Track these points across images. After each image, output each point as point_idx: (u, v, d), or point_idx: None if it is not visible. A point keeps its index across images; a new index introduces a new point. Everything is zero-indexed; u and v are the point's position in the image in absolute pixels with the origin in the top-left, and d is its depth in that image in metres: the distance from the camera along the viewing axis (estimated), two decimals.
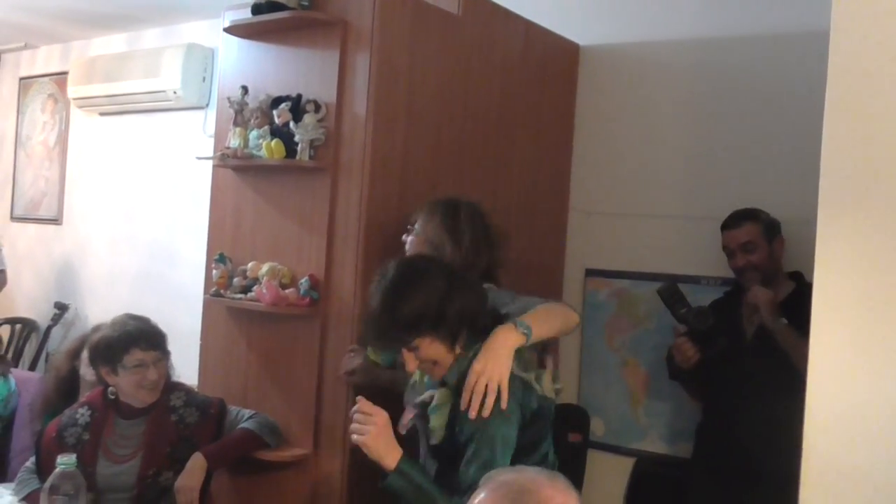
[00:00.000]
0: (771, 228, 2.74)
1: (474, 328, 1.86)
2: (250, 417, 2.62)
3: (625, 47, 3.40)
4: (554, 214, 3.43)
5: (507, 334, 1.80)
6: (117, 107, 4.76)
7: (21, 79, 5.58)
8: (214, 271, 2.81)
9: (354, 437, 1.86)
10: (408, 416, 1.96)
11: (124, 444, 2.48)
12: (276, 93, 2.72)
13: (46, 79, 5.40)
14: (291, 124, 2.62)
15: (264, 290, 2.60)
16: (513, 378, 1.80)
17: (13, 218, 5.52)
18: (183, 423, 2.52)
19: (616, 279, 3.36)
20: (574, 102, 3.48)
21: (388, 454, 1.83)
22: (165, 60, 4.39)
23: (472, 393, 1.76)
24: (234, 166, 2.83)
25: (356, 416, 1.86)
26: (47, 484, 1.90)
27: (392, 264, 1.90)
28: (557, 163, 3.43)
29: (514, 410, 1.80)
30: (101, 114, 4.96)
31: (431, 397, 1.89)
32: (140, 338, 2.49)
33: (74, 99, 4.92)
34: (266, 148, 2.65)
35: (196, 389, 2.74)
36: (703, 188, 3.18)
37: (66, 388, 2.89)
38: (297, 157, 2.61)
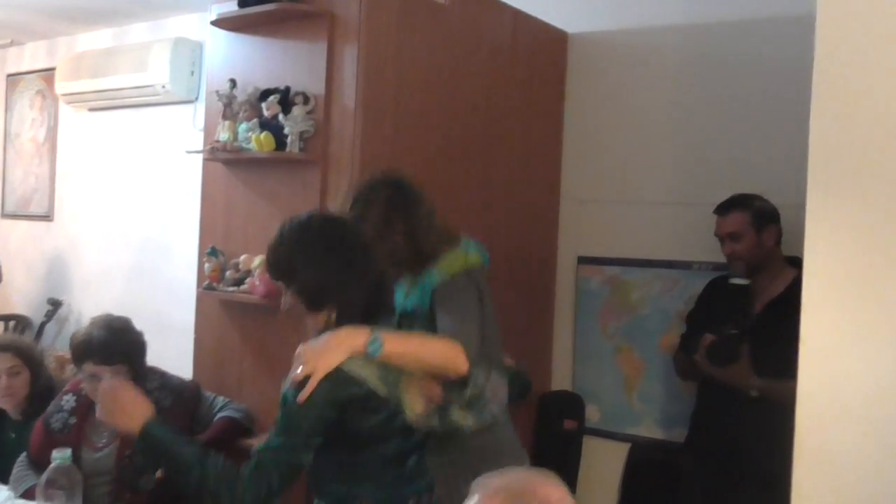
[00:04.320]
0: (762, 217, 2.67)
1: (344, 308, 1.83)
2: (226, 405, 2.64)
3: (614, 34, 3.40)
4: (545, 203, 3.43)
5: (352, 335, 1.76)
6: (106, 102, 4.73)
7: (8, 75, 5.54)
8: (206, 265, 2.81)
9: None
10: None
11: (102, 431, 2.52)
12: (264, 85, 2.72)
13: (34, 75, 5.36)
14: (280, 117, 2.62)
15: (257, 283, 2.61)
16: (336, 373, 1.74)
17: (4, 215, 5.50)
18: (157, 406, 2.51)
19: (608, 266, 3.37)
20: (564, 90, 3.48)
21: (127, 420, 1.82)
22: (153, 55, 4.36)
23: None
24: (223, 160, 2.83)
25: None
26: (43, 479, 1.91)
27: (308, 213, 1.93)
28: (548, 151, 3.43)
29: (316, 405, 1.73)
30: (90, 109, 4.94)
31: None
32: (97, 351, 2.45)
33: (63, 95, 4.89)
34: (255, 141, 2.65)
35: (170, 373, 2.72)
36: (695, 174, 3.19)
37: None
38: (287, 150, 2.61)
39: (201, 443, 1.87)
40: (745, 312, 2.60)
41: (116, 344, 2.49)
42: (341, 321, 1.82)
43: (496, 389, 1.92)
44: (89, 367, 2.46)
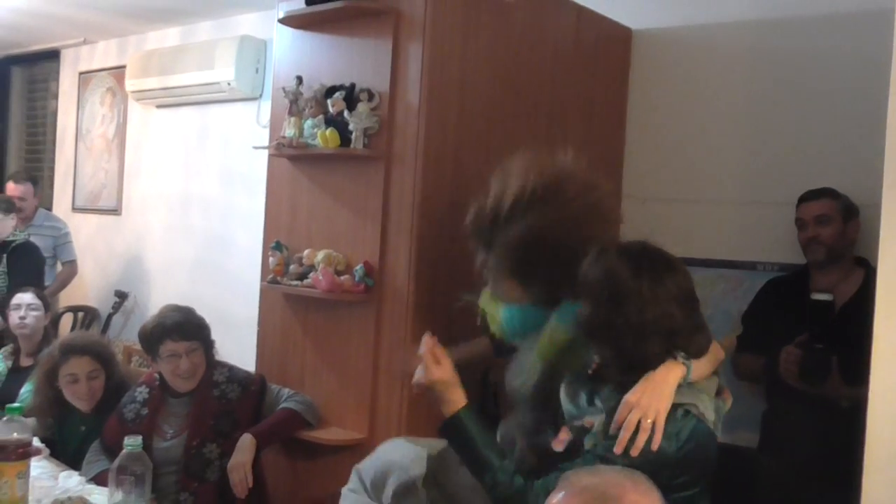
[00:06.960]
0: (849, 209, 2.68)
1: (617, 354, 1.73)
2: (290, 397, 2.70)
3: (678, 31, 3.35)
4: None
5: (671, 368, 1.68)
6: (173, 99, 4.85)
7: (80, 73, 5.72)
8: (271, 259, 2.86)
9: (419, 376, 1.89)
10: (564, 436, 1.85)
11: (173, 421, 2.62)
12: (329, 82, 2.75)
13: (105, 73, 5.52)
14: (345, 113, 2.65)
15: (320, 277, 2.64)
16: (675, 409, 1.67)
17: (75, 209, 5.68)
18: (225, 397, 2.62)
19: None
20: (627, 88, 3.45)
21: (452, 398, 1.85)
22: (219, 53, 4.45)
23: (622, 427, 1.64)
24: (289, 155, 2.87)
25: (426, 356, 1.89)
26: (115, 464, 1.95)
27: (642, 243, 1.93)
28: (610, 149, 3.40)
29: (667, 449, 1.64)
30: (158, 106, 5.06)
31: (591, 423, 1.77)
32: (174, 330, 2.60)
33: (132, 92, 5.03)
34: (321, 137, 2.69)
35: (239, 367, 2.80)
36: (761, 173, 3.13)
37: (58, 404, 2.83)
38: (352, 146, 2.64)
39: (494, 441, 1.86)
40: (829, 328, 2.50)
41: (189, 323, 2.65)
42: (608, 368, 1.73)
43: None
44: (169, 346, 2.58)
